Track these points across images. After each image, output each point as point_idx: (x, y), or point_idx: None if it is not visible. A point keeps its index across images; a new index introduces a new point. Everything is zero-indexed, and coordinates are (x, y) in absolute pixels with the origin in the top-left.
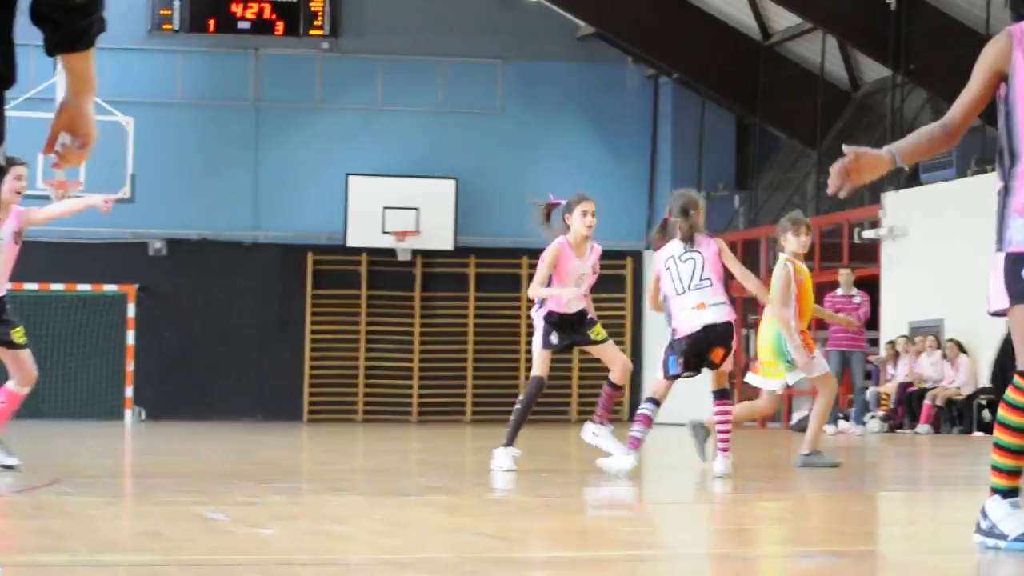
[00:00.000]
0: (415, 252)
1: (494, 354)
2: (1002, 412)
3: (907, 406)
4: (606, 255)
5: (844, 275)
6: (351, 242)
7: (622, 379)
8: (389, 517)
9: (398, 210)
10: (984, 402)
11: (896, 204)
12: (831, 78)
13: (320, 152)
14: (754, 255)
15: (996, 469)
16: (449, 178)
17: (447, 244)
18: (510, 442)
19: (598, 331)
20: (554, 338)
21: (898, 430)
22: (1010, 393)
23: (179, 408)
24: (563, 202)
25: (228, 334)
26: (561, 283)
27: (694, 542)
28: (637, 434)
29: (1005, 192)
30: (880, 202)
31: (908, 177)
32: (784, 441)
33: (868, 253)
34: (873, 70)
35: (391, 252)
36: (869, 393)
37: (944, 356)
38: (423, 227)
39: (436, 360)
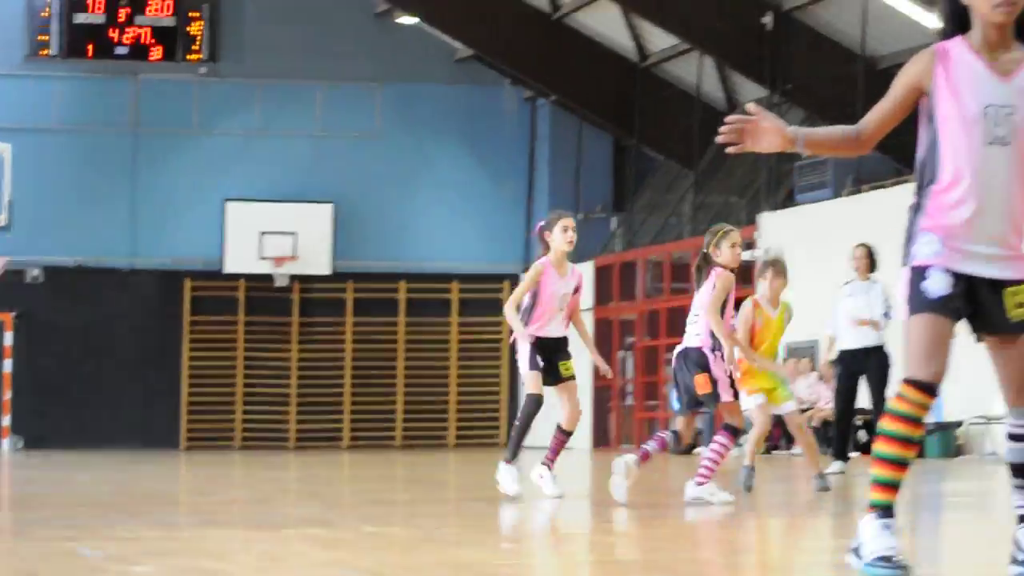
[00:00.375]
0: (293, 277)
1: (372, 379)
2: (883, 422)
3: (783, 428)
4: (482, 279)
5: None
6: (228, 268)
7: (570, 425)
8: (266, 552)
9: (275, 235)
10: (860, 423)
11: (773, 225)
12: (708, 99)
13: (198, 177)
14: (631, 277)
15: (876, 483)
16: (327, 202)
17: (325, 269)
18: (512, 458)
19: (568, 366)
20: (539, 359)
21: (774, 451)
22: (893, 402)
23: (57, 437)
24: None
25: (106, 361)
26: (543, 306)
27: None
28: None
29: (916, 209)
30: (756, 223)
31: (784, 198)
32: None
33: (744, 274)
34: (750, 90)
35: (268, 278)
36: None
37: (820, 378)
38: (301, 252)
39: (314, 386)
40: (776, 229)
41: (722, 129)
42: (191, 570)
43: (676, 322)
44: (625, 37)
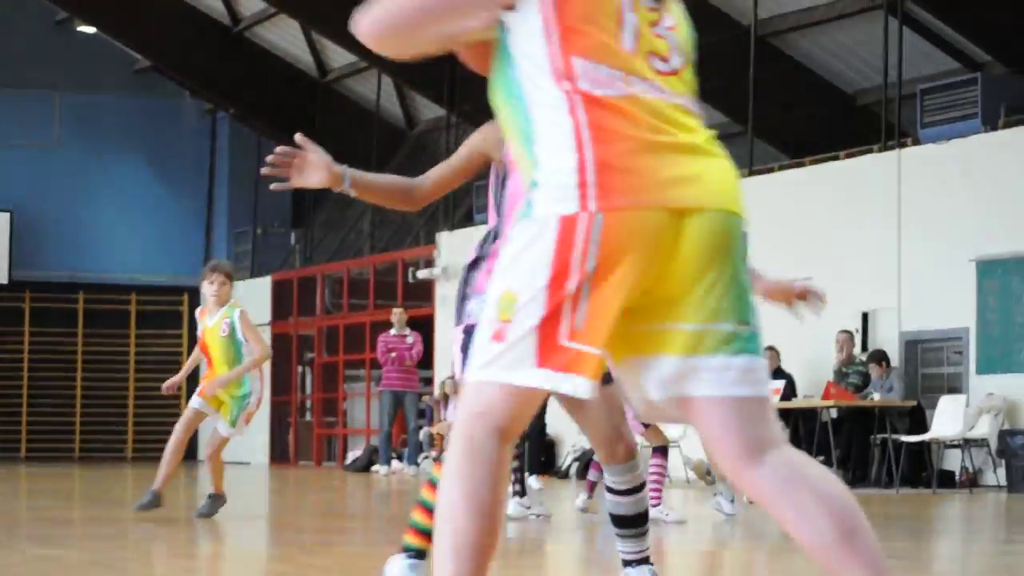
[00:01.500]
0: None
1: (50, 391)
2: (435, 471)
3: None
4: (161, 291)
5: (397, 314)
6: None
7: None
8: None
9: None
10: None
11: (451, 244)
12: (387, 116)
13: None
14: (311, 292)
15: (415, 528)
16: (4, 211)
17: (1, 278)
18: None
19: None
20: None
21: None
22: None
23: None
24: None
25: None
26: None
27: None
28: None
29: (473, 266)
30: (435, 242)
31: (462, 217)
32: None
33: (422, 292)
34: (430, 109)
35: None
36: (422, 433)
37: None
38: None
39: None
40: (454, 248)
41: (268, 159)
42: None
43: (355, 338)
44: (305, 52)
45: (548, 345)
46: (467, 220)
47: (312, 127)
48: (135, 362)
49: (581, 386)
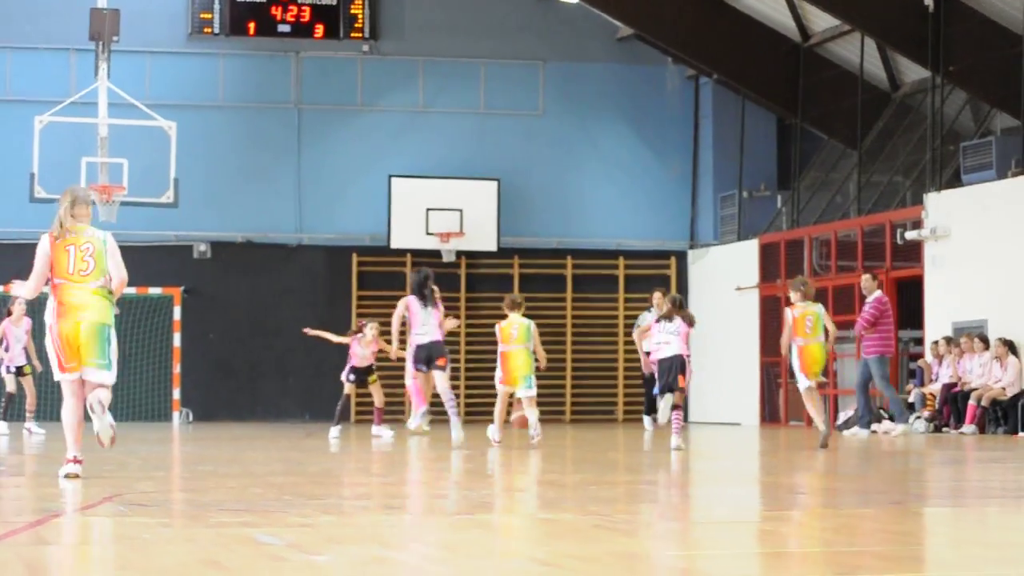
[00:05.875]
0: (459, 253)
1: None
2: None
3: (952, 406)
4: (648, 255)
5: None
6: (395, 243)
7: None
8: (440, 540)
9: (441, 211)
10: None
11: (938, 205)
12: (871, 79)
13: (362, 154)
14: (798, 254)
15: None
16: (492, 179)
17: (491, 245)
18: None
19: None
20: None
21: (944, 429)
22: None
23: (226, 410)
24: None
25: (273, 336)
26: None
27: (737, 569)
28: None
29: None
30: (922, 203)
31: (950, 177)
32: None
33: (911, 253)
34: (912, 71)
35: (435, 253)
36: (914, 394)
37: (995, 358)
38: (467, 228)
39: (479, 361)
40: (942, 209)
41: None
42: (369, 560)
43: (842, 299)
44: (787, 17)
45: None
46: (955, 180)
47: (795, 91)
48: (623, 326)
49: None
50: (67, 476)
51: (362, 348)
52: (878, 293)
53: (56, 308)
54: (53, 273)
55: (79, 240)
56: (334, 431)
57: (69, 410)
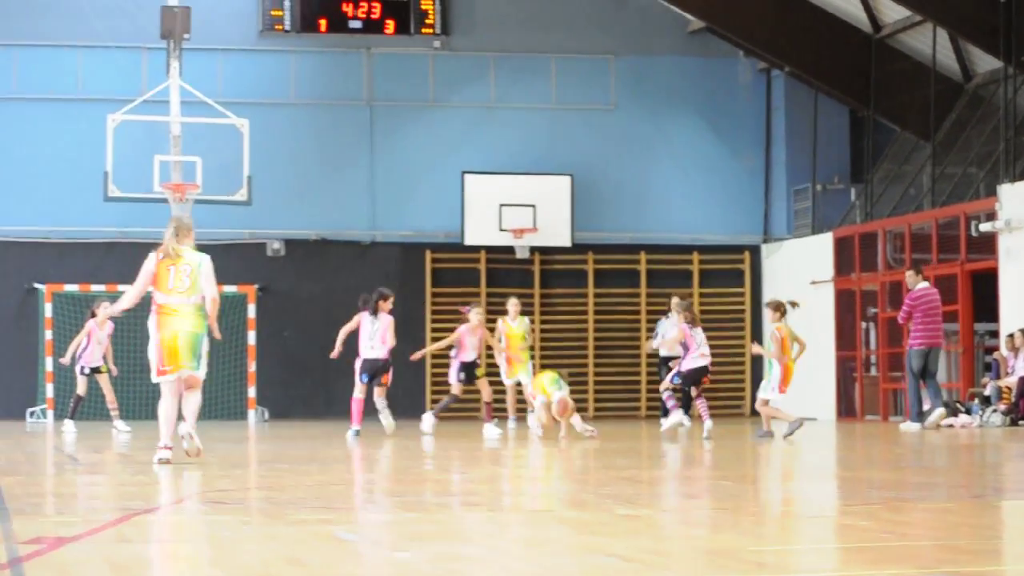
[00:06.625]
0: (533, 249)
1: (614, 351)
2: None
3: None
4: (722, 249)
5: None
6: (469, 240)
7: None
8: (521, 536)
9: (515, 207)
10: None
11: (1012, 196)
12: (943, 70)
13: (435, 150)
14: (872, 247)
15: None
16: (565, 175)
17: (565, 241)
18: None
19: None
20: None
21: (1021, 422)
22: None
23: (301, 408)
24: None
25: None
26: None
27: (818, 564)
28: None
29: None
30: (996, 194)
31: (1023, 170)
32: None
33: (985, 245)
34: (985, 61)
35: (509, 249)
36: (990, 387)
37: None
38: (540, 224)
39: (555, 358)
40: (1016, 200)
41: None
42: (451, 557)
43: None
44: (858, 8)
45: None
46: None
47: (867, 83)
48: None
49: None
50: (159, 461)
51: (473, 336)
52: (923, 286)
53: (157, 320)
54: (155, 288)
55: (179, 261)
56: (427, 425)
57: (167, 405)
